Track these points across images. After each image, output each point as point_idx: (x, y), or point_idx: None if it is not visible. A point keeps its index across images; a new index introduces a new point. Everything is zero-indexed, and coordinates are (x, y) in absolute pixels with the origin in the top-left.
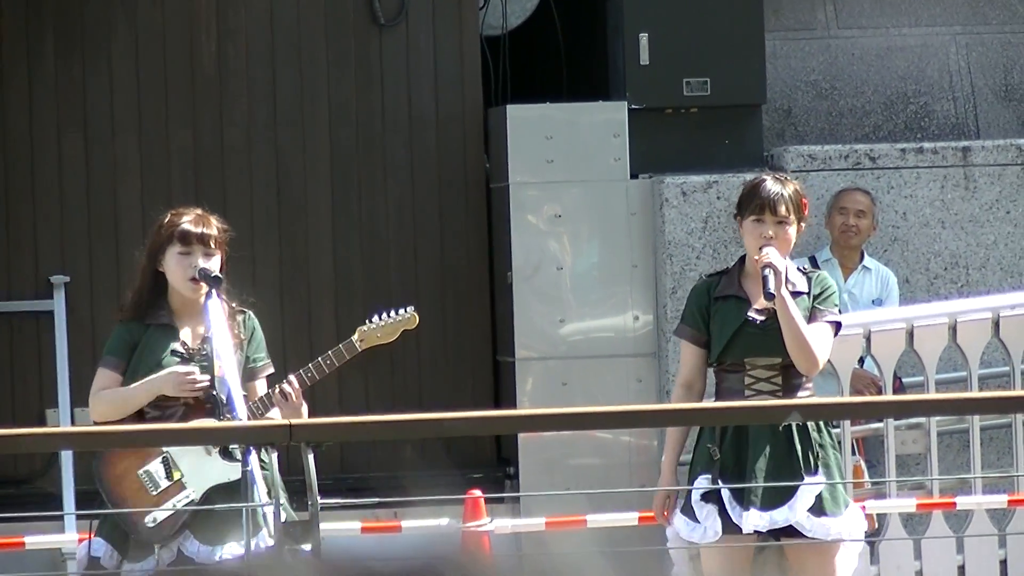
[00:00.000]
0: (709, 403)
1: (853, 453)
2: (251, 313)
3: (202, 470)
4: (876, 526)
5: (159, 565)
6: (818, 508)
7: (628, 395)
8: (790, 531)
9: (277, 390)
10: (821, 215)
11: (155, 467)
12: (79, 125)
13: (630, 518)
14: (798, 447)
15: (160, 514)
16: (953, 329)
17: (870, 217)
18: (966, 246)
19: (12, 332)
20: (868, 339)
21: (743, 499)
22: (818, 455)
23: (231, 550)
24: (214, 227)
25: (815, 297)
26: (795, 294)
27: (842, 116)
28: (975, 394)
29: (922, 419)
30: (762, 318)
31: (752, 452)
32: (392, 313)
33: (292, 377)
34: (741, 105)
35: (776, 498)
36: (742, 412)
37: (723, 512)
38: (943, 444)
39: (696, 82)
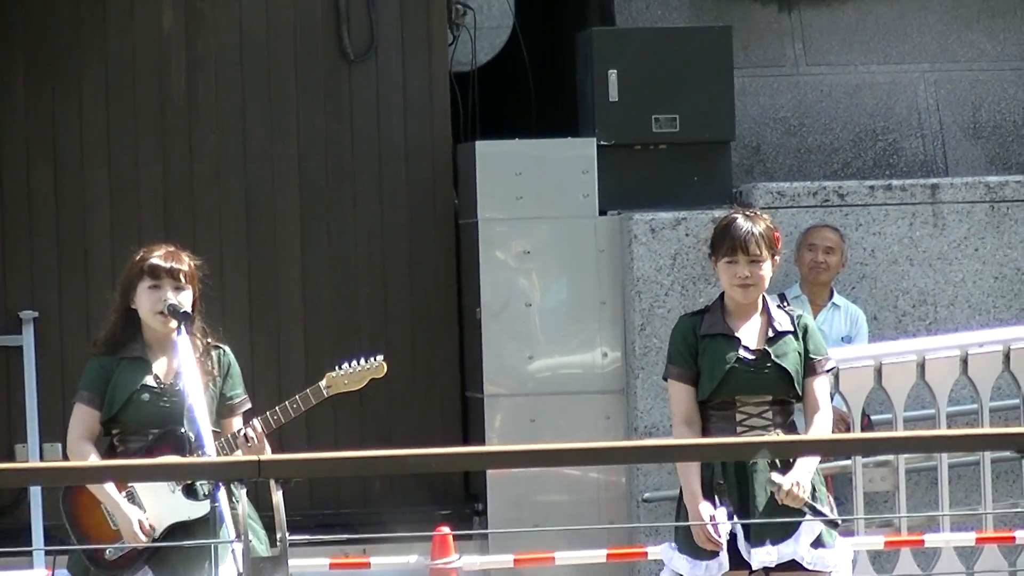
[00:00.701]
0: (683, 439)
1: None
2: (227, 348)
3: (165, 507)
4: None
5: None
6: (818, 540)
7: (597, 431)
8: (788, 565)
9: (241, 433)
10: (790, 252)
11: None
12: (48, 158)
13: (599, 555)
14: None
15: (120, 547)
16: (921, 366)
17: (839, 254)
18: (934, 283)
19: None
20: (837, 376)
21: (750, 535)
22: (814, 488)
23: None
24: (185, 262)
25: (806, 346)
26: (781, 334)
27: (811, 153)
28: (943, 432)
29: (890, 456)
30: (753, 358)
31: (754, 487)
32: (361, 361)
33: (256, 422)
34: (710, 142)
35: (782, 532)
36: (714, 449)
37: (730, 547)
38: (911, 481)
39: (665, 119)
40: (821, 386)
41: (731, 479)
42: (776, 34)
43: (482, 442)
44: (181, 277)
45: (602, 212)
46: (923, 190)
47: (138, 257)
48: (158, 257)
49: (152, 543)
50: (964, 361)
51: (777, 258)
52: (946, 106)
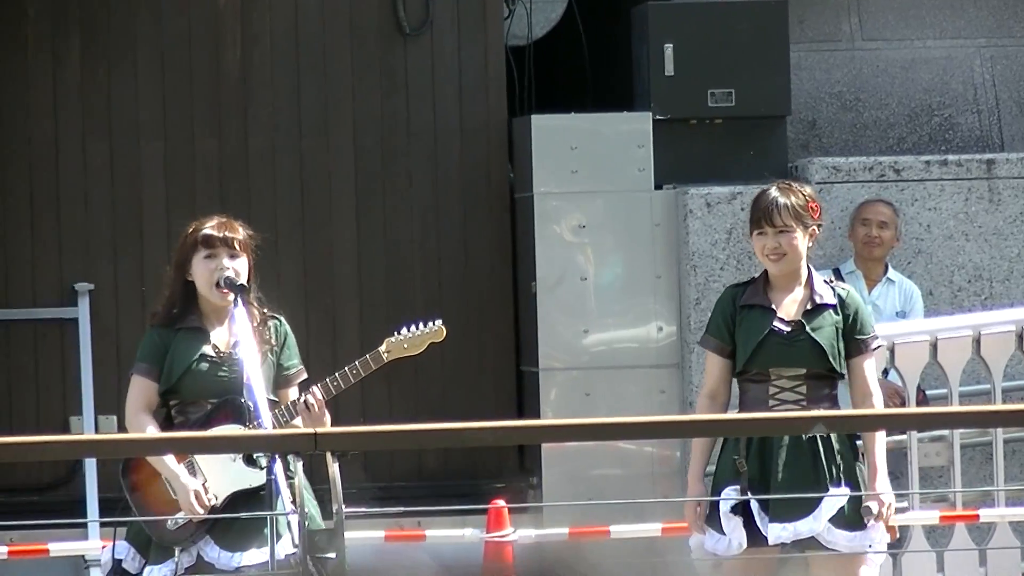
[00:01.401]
0: (732, 414)
1: None
2: (283, 319)
3: (226, 476)
4: (898, 537)
5: (178, 569)
6: (841, 520)
7: (651, 406)
8: (812, 543)
9: (301, 400)
10: (845, 227)
11: (179, 471)
12: (104, 131)
13: (653, 528)
14: (822, 458)
15: (181, 516)
16: (977, 342)
17: (893, 228)
18: (990, 259)
19: (36, 339)
20: (892, 351)
21: (769, 510)
22: (840, 466)
23: (251, 557)
24: (239, 231)
25: (851, 324)
26: (820, 307)
27: (866, 128)
28: (998, 407)
29: (945, 432)
30: (788, 329)
31: (776, 463)
32: (420, 326)
33: (316, 388)
34: (766, 116)
35: (799, 509)
36: (765, 423)
37: (748, 523)
38: (966, 456)
39: (721, 93)
40: (869, 367)
41: (754, 454)
42: (832, 8)
43: (537, 416)
44: (236, 245)
45: (657, 186)
46: (979, 165)
47: (191, 229)
48: (211, 227)
49: (211, 514)
50: (1020, 336)
51: (814, 229)
52: (1002, 81)
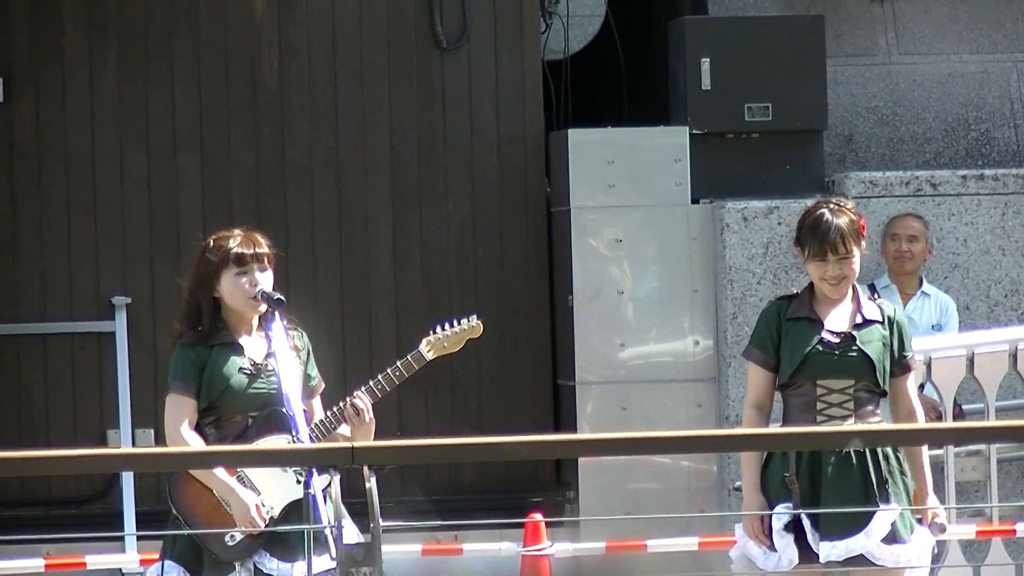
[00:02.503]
0: (772, 428)
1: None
2: (302, 331)
3: (280, 487)
4: (935, 552)
5: None
6: (891, 536)
7: (688, 420)
8: (858, 559)
9: (348, 405)
10: (879, 242)
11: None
12: (141, 144)
13: (690, 543)
14: (871, 474)
15: (238, 530)
16: (1014, 356)
17: (923, 242)
18: None
19: (74, 353)
20: (928, 366)
21: (819, 527)
22: (886, 481)
23: (318, 566)
24: (263, 245)
25: (898, 341)
26: (869, 322)
27: (903, 142)
28: None
29: (982, 446)
30: (837, 341)
31: (827, 479)
32: (456, 323)
33: (361, 392)
34: (802, 131)
35: (852, 526)
36: (803, 437)
37: (799, 540)
38: (1003, 471)
39: (758, 107)
40: (912, 385)
41: (804, 471)
42: (869, 23)
43: (573, 430)
44: (264, 260)
45: (694, 200)
46: (1015, 180)
47: (213, 245)
48: (239, 244)
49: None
50: None
51: (864, 244)
52: None
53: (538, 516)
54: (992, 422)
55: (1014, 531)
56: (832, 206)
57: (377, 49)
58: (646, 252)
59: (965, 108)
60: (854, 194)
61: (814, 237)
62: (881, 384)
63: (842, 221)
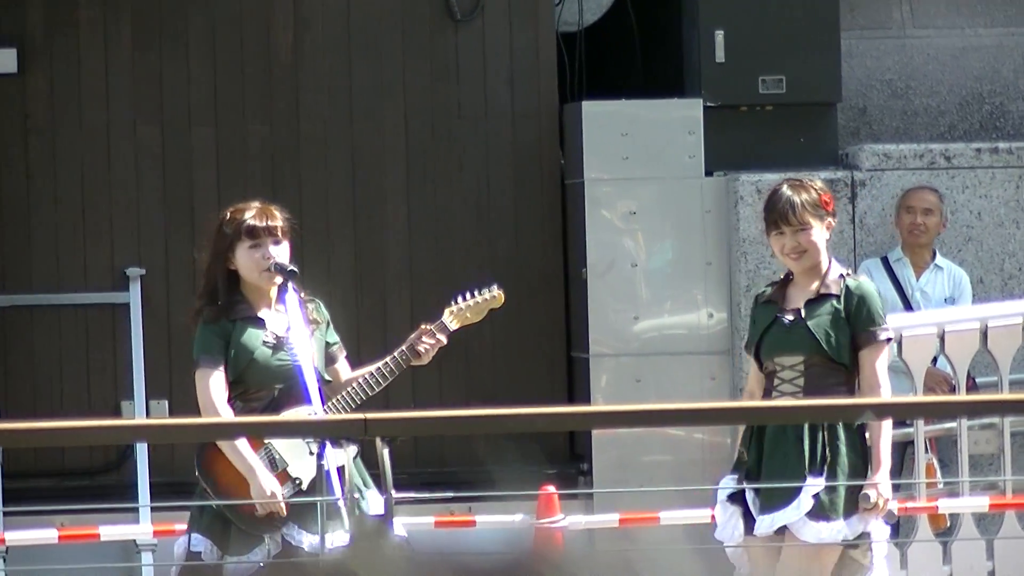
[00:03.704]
0: (781, 401)
1: (926, 451)
2: (319, 302)
3: (306, 459)
4: (948, 525)
5: (268, 556)
6: (815, 511)
7: (702, 392)
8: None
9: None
10: (891, 214)
11: (259, 457)
12: (155, 117)
13: (703, 515)
14: (805, 447)
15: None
16: None
17: (938, 215)
18: None
19: (88, 324)
20: (942, 339)
21: (758, 500)
22: (825, 457)
23: (336, 539)
24: (278, 218)
25: (855, 314)
26: (824, 296)
27: (917, 115)
28: None
29: (995, 419)
30: (790, 318)
31: (767, 453)
32: (477, 293)
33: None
34: (816, 103)
35: (782, 499)
36: (811, 410)
37: (747, 513)
38: (1016, 444)
39: (771, 80)
40: (872, 358)
41: (753, 445)
42: None
43: (587, 402)
44: (278, 232)
45: (708, 173)
46: None
47: (228, 218)
48: (253, 217)
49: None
50: None
51: (830, 220)
52: None
53: (551, 488)
54: (1005, 395)
55: None
56: (793, 182)
57: (391, 21)
58: (660, 225)
59: (979, 81)
60: (867, 166)
61: (768, 210)
62: (837, 358)
63: (798, 194)
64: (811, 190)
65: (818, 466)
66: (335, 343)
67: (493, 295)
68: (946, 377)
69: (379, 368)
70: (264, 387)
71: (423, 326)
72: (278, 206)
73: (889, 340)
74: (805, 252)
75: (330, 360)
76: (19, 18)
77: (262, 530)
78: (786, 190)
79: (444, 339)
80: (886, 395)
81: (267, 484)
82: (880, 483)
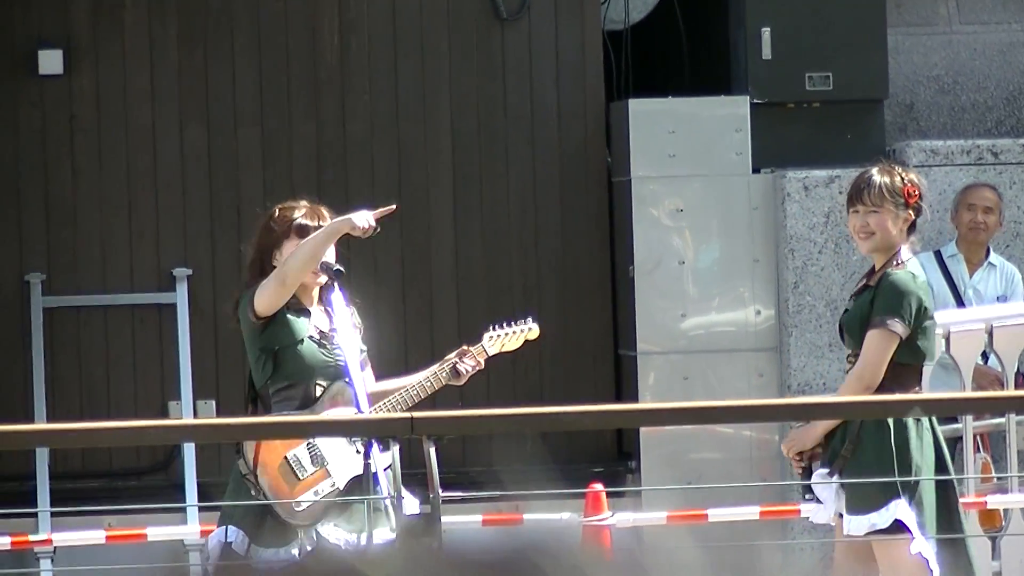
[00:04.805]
0: (830, 397)
1: (978, 450)
2: (354, 308)
3: (347, 459)
4: (1003, 523)
5: (301, 551)
6: (850, 506)
7: (749, 389)
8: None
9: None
10: (944, 210)
11: (301, 452)
12: (201, 117)
13: (751, 512)
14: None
15: (307, 496)
16: None
17: (997, 213)
18: None
19: (135, 324)
20: (991, 335)
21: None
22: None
23: (378, 536)
24: (328, 218)
25: (879, 305)
26: (866, 288)
27: (964, 111)
28: None
29: None
30: (846, 311)
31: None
32: (514, 323)
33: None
34: (863, 100)
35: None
36: (860, 407)
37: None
38: None
39: (818, 76)
40: (870, 342)
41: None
42: None
43: (635, 400)
44: None
45: (755, 170)
46: None
47: (278, 215)
48: (303, 216)
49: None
50: None
51: (910, 211)
52: None
53: (599, 486)
54: None
55: None
56: (884, 166)
57: (437, 21)
58: (707, 222)
59: None
60: (915, 163)
61: (851, 188)
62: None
63: (881, 176)
64: (897, 176)
65: (830, 463)
66: (365, 351)
67: (529, 327)
68: (997, 376)
69: (420, 383)
70: (303, 380)
71: (465, 347)
72: (326, 206)
73: (894, 332)
74: (872, 235)
75: (362, 366)
76: (65, 19)
77: (298, 523)
78: (873, 171)
79: (482, 363)
80: (854, 382)
81: (354, 215)
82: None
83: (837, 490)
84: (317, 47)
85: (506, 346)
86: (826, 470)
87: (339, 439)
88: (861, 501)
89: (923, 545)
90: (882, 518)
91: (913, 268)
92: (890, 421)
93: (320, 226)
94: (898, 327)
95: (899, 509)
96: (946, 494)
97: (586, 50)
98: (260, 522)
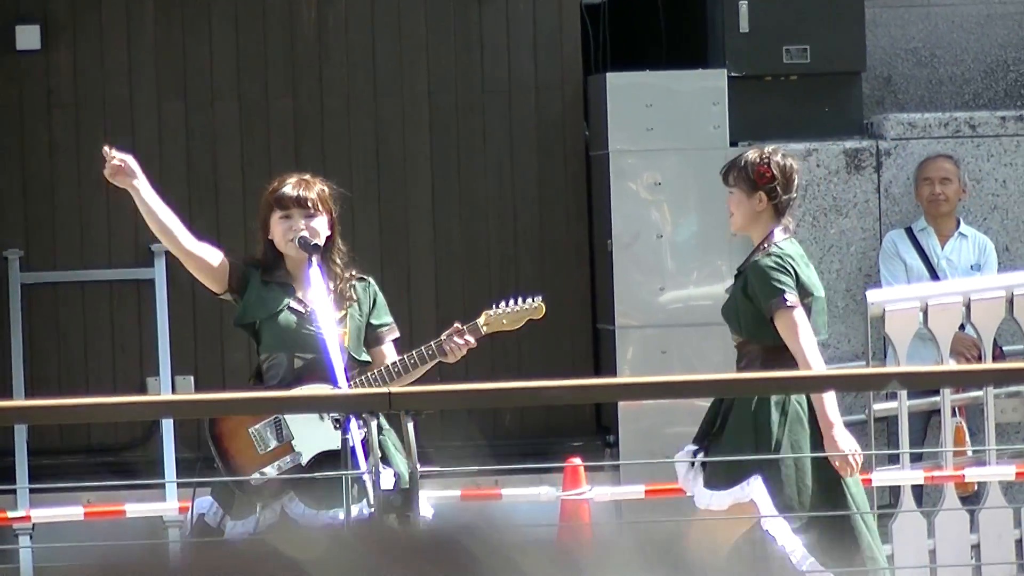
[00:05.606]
0: (804, 371)
1: (954, 415)
2: (371, 280)
3: (313, 435)
4: (975, 490)
5: (259, 525)
6: (708, 482)
7: (727, 363)
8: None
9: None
10: (911, 184)
11: (266, 426)
12: (179, 92)
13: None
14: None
15: (268, 471)
16: None
17: (956, 182)
18: None
19: (113, 300)
20: (967, 307)
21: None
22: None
23: (336, 516)
24: (313, 189)
25: (750, 287)
26: (739, 273)
27: (942, 84)
28: None
29: (1022, 387)
30: (727, 295)
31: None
32: (520, 301)
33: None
34: (841, 73)
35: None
36: (834, 380)
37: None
38: None
39: (796, 49)
40: (787, 332)
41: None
42: None
43: (613, 374)
44: (309, 204)
45: (733, 143)
46: None
47: (270, 188)
48: (287, 186)
49: (296, 472)
50: None
51: (762, 193)
52: None
53: (577, 461)
54: None
55: None
56: (758, 147)
57: None
58: (685, 196)
59: (1004, 49)
60: (892, 135)
61: None
62: (741, 333)
63: (745, 158)
64: (758, 157)
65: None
66: (381, 325)
67: (534, 306)
68: (974, 341)
69: (403, 359)
70: (283, 351)
71: (456, 325)
72: (323, 179)
73: (792, 304)
74: (732, 216)
75: (375, 341)
76: None
77: (258, 498)
78: (748, 152)
79: (473, 342)
80: (809, 362)
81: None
82: (840, 440)
83: (697, 467)
84: (294, 21)
85: (505, 325)
86: (694, 447)
87: (311, 415)
88: (719, 477)
89: (775, 524)
90: (744, 493)
91: (787, 248)
92: (754, 400)
93: (300, 195)
94: (791, 297)
95: (755, 487)
96: (826, 471)
97: (563, 23)
98: (231, 493)
